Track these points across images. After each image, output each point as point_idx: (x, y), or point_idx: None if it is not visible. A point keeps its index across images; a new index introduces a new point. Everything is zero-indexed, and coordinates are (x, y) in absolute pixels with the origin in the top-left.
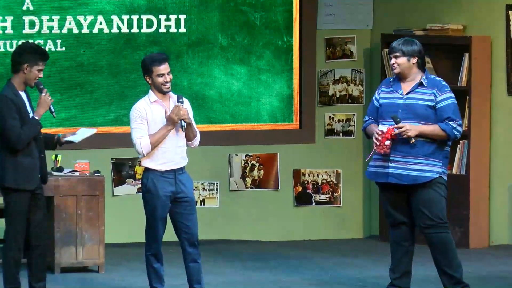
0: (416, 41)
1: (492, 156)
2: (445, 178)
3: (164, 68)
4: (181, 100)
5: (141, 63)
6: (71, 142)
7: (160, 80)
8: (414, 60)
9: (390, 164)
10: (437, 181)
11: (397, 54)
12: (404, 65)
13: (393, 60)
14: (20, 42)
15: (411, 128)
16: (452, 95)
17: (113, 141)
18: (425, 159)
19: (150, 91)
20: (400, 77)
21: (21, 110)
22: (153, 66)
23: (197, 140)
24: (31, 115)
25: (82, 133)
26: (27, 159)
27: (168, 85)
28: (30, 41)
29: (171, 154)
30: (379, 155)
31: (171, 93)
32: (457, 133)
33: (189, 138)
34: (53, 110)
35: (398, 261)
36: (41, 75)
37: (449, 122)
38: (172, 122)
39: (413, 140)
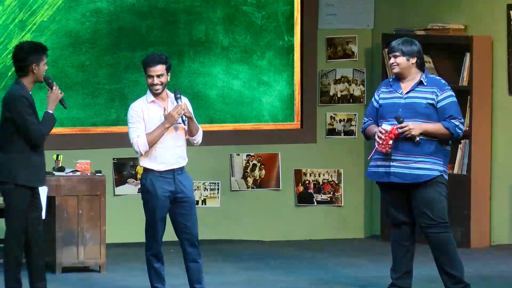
0: (416, 41)
1: (493, 155)
2: (446, 177)
3: (154, 70)
4: (178, 96)
5: None
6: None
7: (149, 81)
8: (414, 60)
9: (391, 163)
10: (438, 180)
11: (397, 53)
12: (403, 65)
13: (392, 60)
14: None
15: (415, 127)
16: (453, 93)
17: (114, 141)
18: (426, 158)
19: (148, 91)
20: (399, 77)
21: (34, 108)
22: (146, 66)
23: (199, 136)
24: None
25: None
26: (37, 157)
27: (157, 87)
28: (24, 40)
29: (170, 154)
30: (380, 154)
31: (168, 92)
32: (460, 131)
33: (191, 133)
34: (64, 102)
35: (399, 261)
36: (46, 67)
37: (451, 120)
38: (171, 120)
39: (417, 138)
